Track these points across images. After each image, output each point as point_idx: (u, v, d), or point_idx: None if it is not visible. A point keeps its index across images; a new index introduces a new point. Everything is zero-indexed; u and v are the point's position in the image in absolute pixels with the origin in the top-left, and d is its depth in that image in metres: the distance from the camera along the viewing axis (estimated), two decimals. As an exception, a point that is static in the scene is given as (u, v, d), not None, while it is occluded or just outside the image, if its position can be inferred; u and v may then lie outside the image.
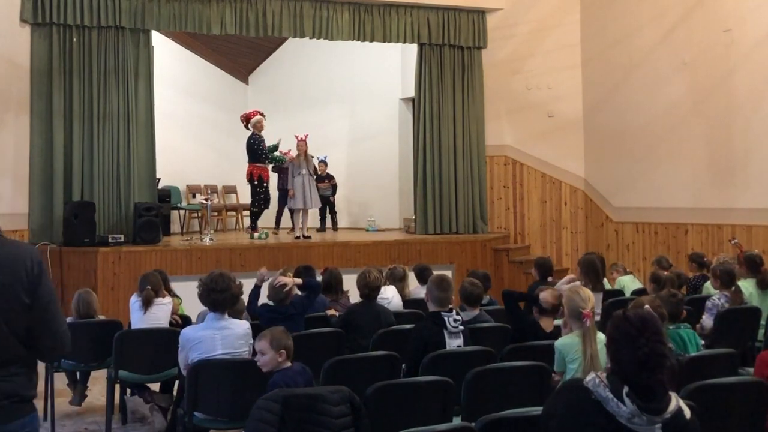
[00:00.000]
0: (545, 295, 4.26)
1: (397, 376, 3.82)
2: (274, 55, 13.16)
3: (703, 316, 4.99)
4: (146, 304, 4.83)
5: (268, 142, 9.56)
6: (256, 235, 9.19)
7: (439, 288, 4.03)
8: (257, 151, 9.25)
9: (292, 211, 9.87)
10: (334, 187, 11.15)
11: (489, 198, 10.27)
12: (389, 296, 5.42)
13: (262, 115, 9.54)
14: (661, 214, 8.76)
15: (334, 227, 11.04)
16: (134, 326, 4.87)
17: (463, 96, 10.12)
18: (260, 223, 9.54)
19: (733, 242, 7.13)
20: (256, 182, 9.24)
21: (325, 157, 11.15)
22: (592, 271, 5.29)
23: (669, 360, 2.05)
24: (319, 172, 10.63)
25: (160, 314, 4.87)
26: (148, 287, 4.87)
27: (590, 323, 3.50)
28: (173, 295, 5.28)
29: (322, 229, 10.94)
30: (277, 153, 9.72)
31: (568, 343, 3.54)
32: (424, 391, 3.28)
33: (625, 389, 2.01)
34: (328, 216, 11.12)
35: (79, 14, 8.49)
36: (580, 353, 3.47)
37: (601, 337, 3.65)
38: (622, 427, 2.01)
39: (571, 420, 2.09)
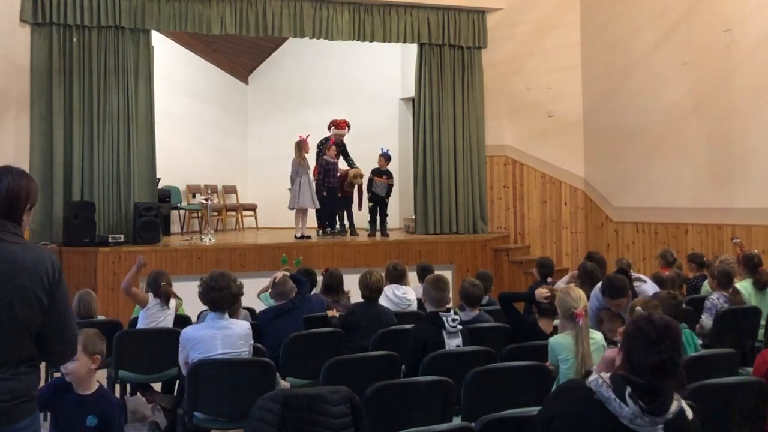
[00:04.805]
0: (540, 291, 4.30)
1: (397, 376, 3.82)
2: (274, 55, 13.13)
3: (702, 316, 5.00)
4: (166, 299, 4.89)
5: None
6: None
7: (436, 288, 4.05)
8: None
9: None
10: (389, 187, 9.80)
11: (489, 198, 10.28)
12: (411, 298, 5.37)
13: (347, 128, 9.71)
14: (661, 214, 8.76)
15: (383, 231, 9.67)
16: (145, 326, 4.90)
17: (463, 96, 10.13)
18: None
19: (734, 241, 7.13)
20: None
21: (388, 151, 9.98)
22: (588, 280, 5.28)
23: (680, 369, 2.06)
24: (378, 165, 9.82)
25: (170, 319, 4.92)
26: (164, 283, 4.94)
27: (583, 323, 3.52)
28: (175, 296, 5.28)
29: (371, 232, 9.67)
30: None
31: (561, 342, 3.58)
32: (424, 391, 3.28)
33: (628, 390, 2.02)
34: (378, 218, 9.81)
35: (79, 14, 8.49)
36: (572, 354, 3.49)
37: (595, 336, 3.67)
38: (624, 427, 2.02)
39: (573, 420, 2.09)
